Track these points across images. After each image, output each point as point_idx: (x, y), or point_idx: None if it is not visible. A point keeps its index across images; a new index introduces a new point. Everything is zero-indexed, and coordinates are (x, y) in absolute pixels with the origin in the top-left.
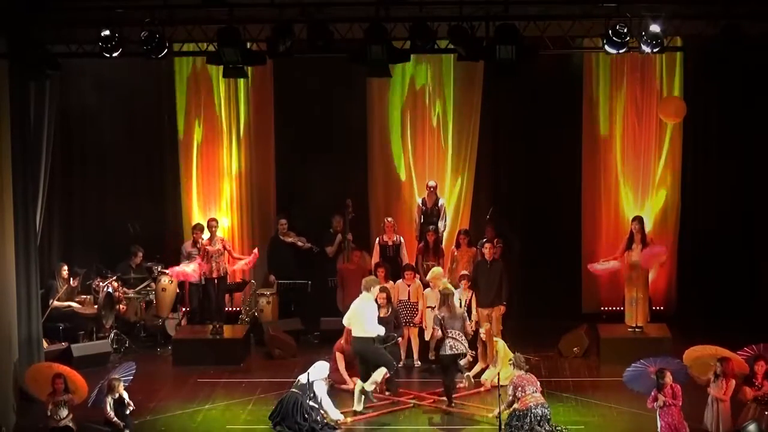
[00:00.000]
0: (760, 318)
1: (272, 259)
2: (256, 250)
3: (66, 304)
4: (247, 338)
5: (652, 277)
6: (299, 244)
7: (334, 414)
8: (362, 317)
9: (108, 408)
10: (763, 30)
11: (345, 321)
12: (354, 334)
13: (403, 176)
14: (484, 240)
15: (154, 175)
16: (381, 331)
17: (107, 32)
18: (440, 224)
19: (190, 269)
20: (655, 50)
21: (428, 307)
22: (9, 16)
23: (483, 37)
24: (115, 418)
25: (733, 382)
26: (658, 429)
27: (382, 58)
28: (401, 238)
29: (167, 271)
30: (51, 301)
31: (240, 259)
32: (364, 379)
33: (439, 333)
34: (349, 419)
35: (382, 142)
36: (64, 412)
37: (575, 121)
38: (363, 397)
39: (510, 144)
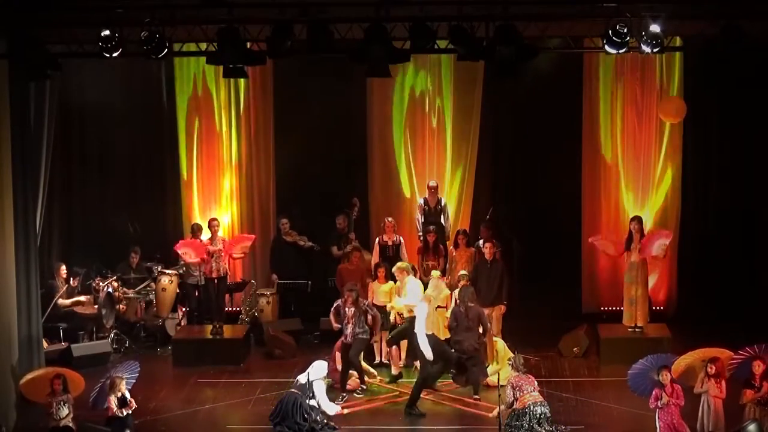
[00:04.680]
0: (760, 318)
1: (275, 259)
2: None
3: (68, 302)
4: (247, 338)
5: (653, 278)
6: (301, 243)
7: (331, 409)
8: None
9: (113, 405)
10: (763, 30)
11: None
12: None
13: (403, 176)
14: (482, 240)
15: (154, 174)
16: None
17: (107, 32)
18: (445, 223)
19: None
20: (655, 50)
21: None
22: (9, 16)
23: (483, 37)
24: (121, 412)
25: (724, 380)
26: (657, 429)
27: (382, 58)
28: (401, 238)
29: (168, 272)
30: (52, 301)
31: (239, 255)
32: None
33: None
34: (345, 410)
35: (382, 142)
36: (64, 412)
37: (575, 121)
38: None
39: (510, 144)
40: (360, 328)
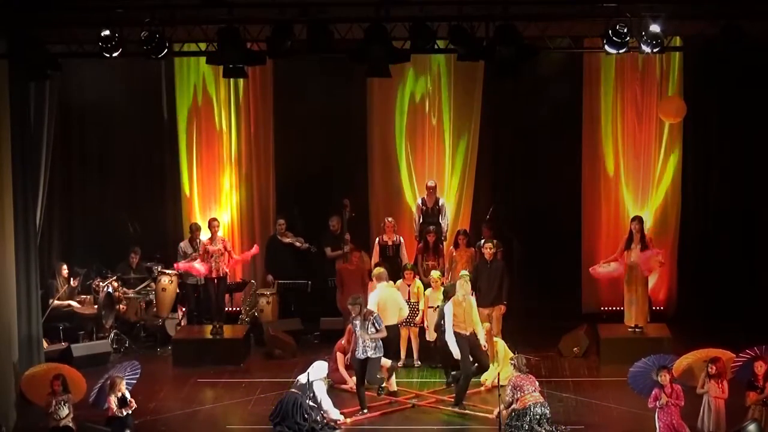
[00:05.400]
0: (760, 318)
1: (270, 259)
2: (256, 246)
3: (66, 303)
4: (247, 338)
5: (653, 278)
6: (297, 244)
7: (333, 414)
8: (397, 304)
9: (113, 405)
10: (763, 30)
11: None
12: (389, 323)
13: (403, 176)
14: (483, 240)
15: (154, 174)
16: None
17: (107, 32)
18: (443, 223)
19: (197, 264)
20: (655, 50)
21: (429, 307)
22: (9, 16)
23: (483, 37)
24: (121, 412)
25: (725, 380)
26: (657, 429)
27: (382, 58)
28: (401, 238)
29: (168, 272)
30: (51, 301)
31: (240, 260)
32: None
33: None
34: (349, 419)
35: (382, 142)
36: (64, 412)
37: (575, 121)
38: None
39: (510, 144)
40: (370, 342)
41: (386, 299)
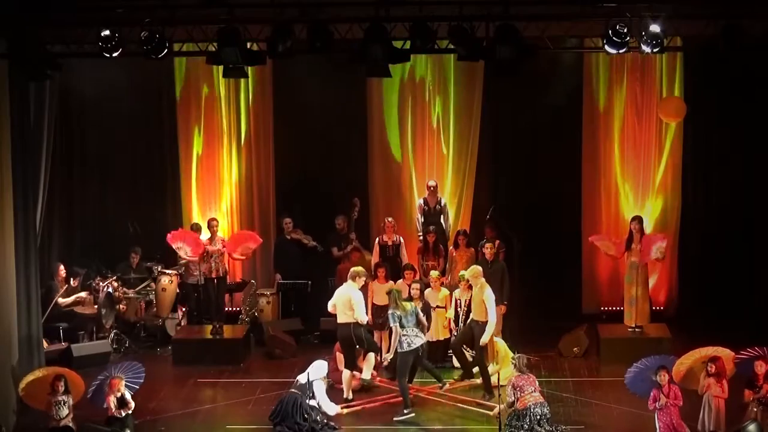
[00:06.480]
0: (760, 318)
1: (279, 258)
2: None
3: (69, 300)
4: (247, 338)
5: (653, 278)
6: (305, 241)
7: (331, 409)
8: (346, 304)
9: (112, 405)
10: (763, 30)
11: (330, 307)
12: (338, 321)
13: (403, 176)
14: (484, 240)
15: (154, 175)
16: (364, 318)
17: (107, 32)
18: (445, 224)
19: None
20: (655, 50)
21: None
22: (9, 16)
23: (483, 37)
24: (119, 413)
25: (725, 380)
26: (657, 430)
27: (381, 58)
28: (401, 238)
29: (168, 272)
30: (53, 301)
31: (240, 257)
32: (348, 366)
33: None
34: (344, 411)
35: (382, 142)
36: (64, 412)
37: (575, 121)
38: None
39: (510, 144)
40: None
41: (339, 297)
